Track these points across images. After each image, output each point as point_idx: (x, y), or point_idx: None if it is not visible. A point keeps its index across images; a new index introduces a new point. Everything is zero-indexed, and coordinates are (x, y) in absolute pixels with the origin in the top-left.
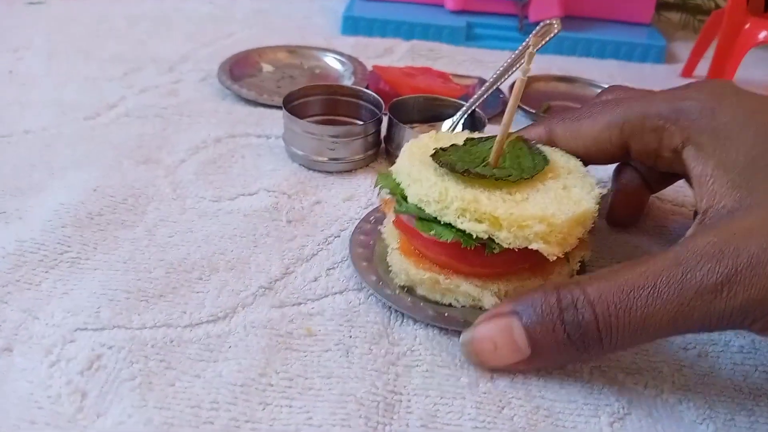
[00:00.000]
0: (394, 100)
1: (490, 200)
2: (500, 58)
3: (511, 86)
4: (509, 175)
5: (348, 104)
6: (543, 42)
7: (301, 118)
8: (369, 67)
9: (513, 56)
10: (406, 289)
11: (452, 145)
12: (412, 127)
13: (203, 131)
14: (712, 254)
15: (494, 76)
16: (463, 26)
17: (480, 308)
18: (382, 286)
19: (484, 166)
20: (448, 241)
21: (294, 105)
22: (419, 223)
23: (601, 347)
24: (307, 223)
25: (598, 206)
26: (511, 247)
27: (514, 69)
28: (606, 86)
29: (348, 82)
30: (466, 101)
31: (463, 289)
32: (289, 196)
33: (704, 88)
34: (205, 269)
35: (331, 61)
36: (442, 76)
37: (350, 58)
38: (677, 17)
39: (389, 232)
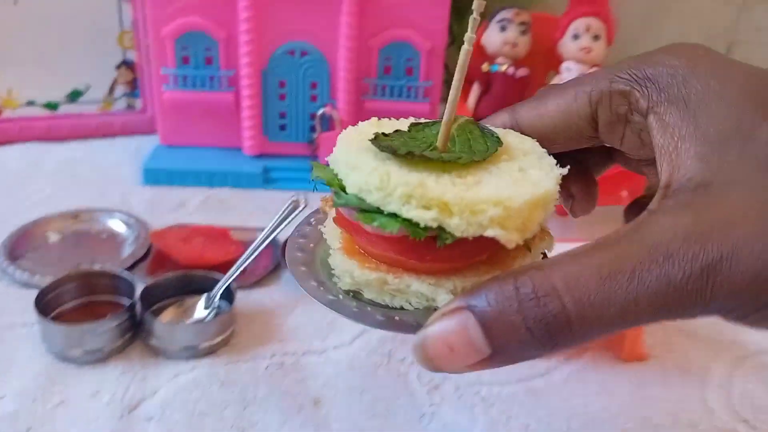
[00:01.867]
0: (146, 285)
1: (438, 184)
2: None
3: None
4: (459, 158)
5: (106, 285)
6: (290, 219)
7: (59, 306)
8: (160, 226)
9: (268, 228)
10: (351, 294)
11: (396, 130)
12: (162, 309)
13: None
14: (694, 240)
15: (250, 251)
16: (260, 171)
17: (435, 309)
18: (324, 291)
19: (432, 150)
20: (394, 233)
21: (49, 297)
22: (361, 216)
23: (571, 340)
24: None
25: (558, 188)
26: (464, 235)
27: (269, 238)
28: None
29: (130, 248)
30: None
31: (415, 289)
32: (33, 400)
33: (676, 52)
34: None
35: (117, 225)
36: (223, 234)
37: (137, 220)
38: None
39: (330, 231)
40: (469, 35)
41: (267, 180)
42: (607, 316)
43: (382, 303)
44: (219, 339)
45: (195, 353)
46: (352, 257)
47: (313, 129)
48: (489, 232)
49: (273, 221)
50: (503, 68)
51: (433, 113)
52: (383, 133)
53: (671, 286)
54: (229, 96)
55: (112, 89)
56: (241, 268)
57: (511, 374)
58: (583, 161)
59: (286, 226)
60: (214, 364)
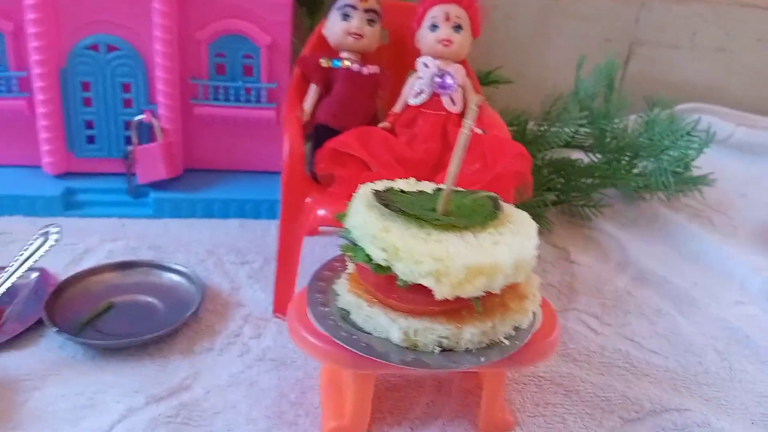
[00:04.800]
0: None
1: (402, 234)
2: (99, 228)
3: None
4: (437, 220)
5: None
6: (40, 254)
7: None
8: None
9: (12, 267)
10: (341, 314)
11: (420, 191)
12: None
13: None
14: None
15: None
16: (60, 194)
17: (389, 341)
18: (322, 306)
19: (431, 210)
20: (358, 263)
21: None
22: (345, 246)
23: None
24: None
25: (513, 267)
26: (407, 279)
27: (10, 279)
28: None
29: None
30: None
31: (378, 320)
32: None
33: None
34: None
35: None
36: None
37: None
38: None
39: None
40: (467, 122)
41: (70, 205)
42: None
43: (360, 326)
44: None
45: None
46: (349, 282)
47: (128, 141)
48: (423, 281)
49: (17, 257)
50: (346, 64)
51: (280, 119)
52: (401, 190)
53: None
54: (21, 102)
55: None
56: None
57: None
58: None
59: (35, 262)
60: None
